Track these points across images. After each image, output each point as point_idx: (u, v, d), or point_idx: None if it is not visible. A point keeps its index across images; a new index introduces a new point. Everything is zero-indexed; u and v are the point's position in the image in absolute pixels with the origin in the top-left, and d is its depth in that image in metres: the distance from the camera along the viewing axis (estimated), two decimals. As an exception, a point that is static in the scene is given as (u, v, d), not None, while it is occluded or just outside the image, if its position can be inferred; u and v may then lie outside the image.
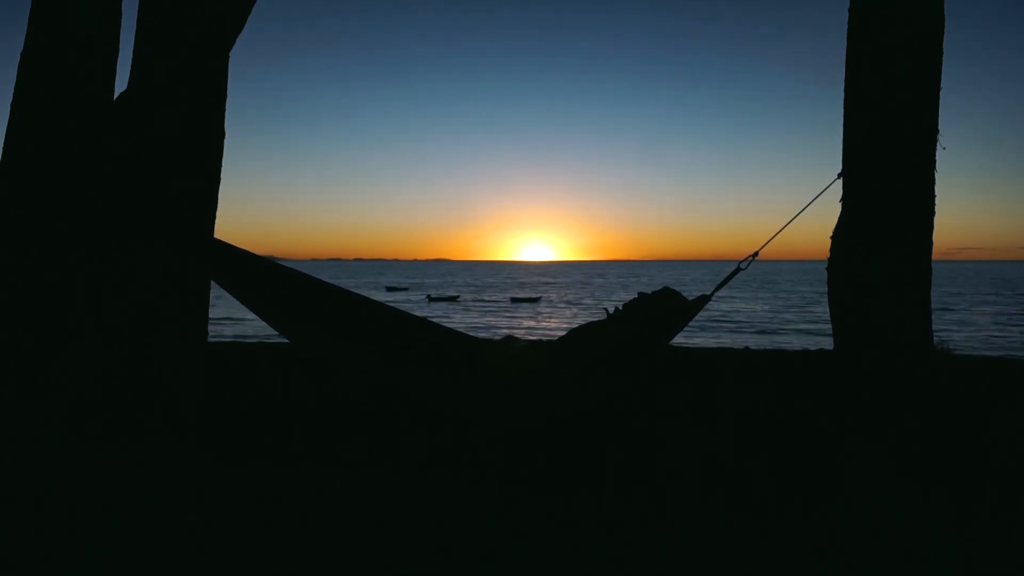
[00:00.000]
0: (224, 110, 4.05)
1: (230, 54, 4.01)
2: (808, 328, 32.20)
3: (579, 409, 4.40)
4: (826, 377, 4.93)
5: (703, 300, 4.17)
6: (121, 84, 3.86)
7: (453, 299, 56.98)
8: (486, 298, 58.68)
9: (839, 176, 3.79)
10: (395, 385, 4.46)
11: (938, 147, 3.68)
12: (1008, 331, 31.27)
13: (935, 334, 4.01)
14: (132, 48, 3.83)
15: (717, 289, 4.24)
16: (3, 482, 3.38)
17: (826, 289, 3.87)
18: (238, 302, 4.19)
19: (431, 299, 55.34)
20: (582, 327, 4.37)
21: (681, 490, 3.64)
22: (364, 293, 4.31)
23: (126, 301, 3.70)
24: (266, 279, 4.09)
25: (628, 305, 4.23)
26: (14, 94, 3.73)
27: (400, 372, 4.16)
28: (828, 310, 3.91)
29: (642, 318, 4.14)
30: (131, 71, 3.81)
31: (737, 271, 4.19)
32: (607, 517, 3.29)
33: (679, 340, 6.50)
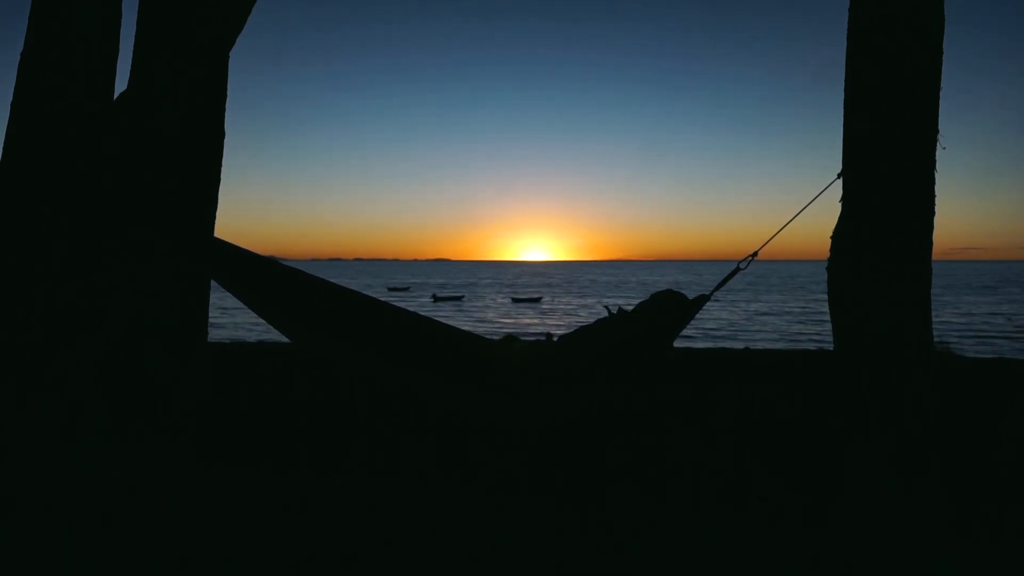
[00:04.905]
0: (224, 110, 4.04)
1: (230, 54, 4.01)
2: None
3: (579, 410, 4.40)
4: (826, 377, 4.93)
5: (702, 300, 4.17)
6: (121, 84, 3.86)
7: (458, 299, 56.94)
8: (488, 298, 58.62)
9: (839, 176, 3.79)
10: (397, 385, 4.45)
11: (938, 147, 3.67)
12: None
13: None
14: (132, 48, 3.83)
15: (716, 289, 4.24)
16: (3, 482, 3.38)
17: (826, 289, 3.86)
18: (238, 301, 4.18)
19: (436, 299, 55.34)
20: (583, 328, 4.37)
21: (681, 490, 3.64)
22: (365, 293, 4.31)
23: (126, 301, 3.70)
24: (267, 278, 4.09)
25: (633, 309, 4.23)
26: (14, 94, 3.72)
27: (402, 372, 4.16)
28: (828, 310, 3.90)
29: (642, 318, 4.14)
30: (131, 71, 3.81)
31: (736, 271, 4.19)
32: (608, 517, 3.29)
33: (679, 340, 6.49)
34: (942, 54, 3.68)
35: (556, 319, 40.36)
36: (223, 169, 4.06)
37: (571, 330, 4.39)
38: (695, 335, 26.89)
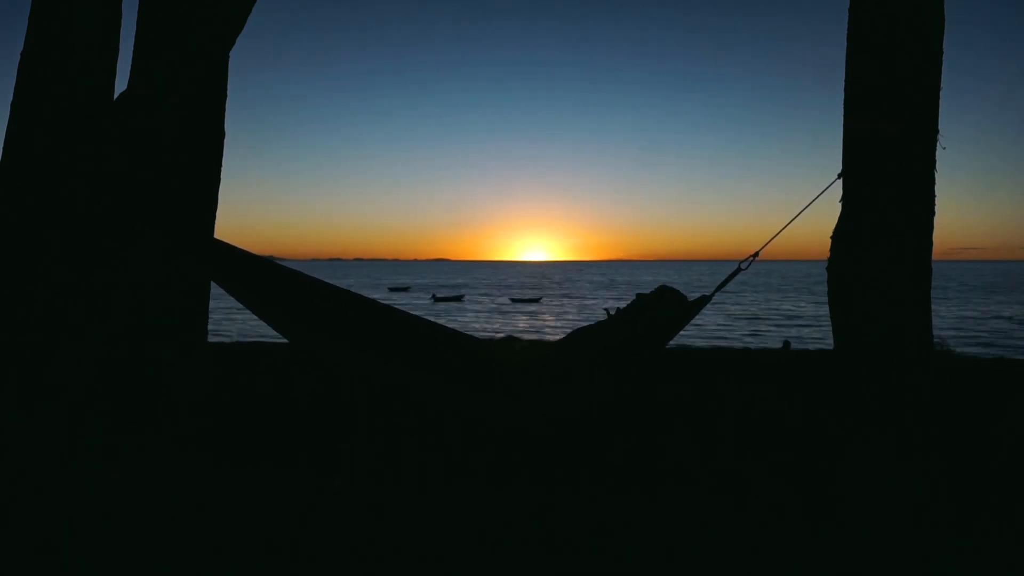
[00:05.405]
0: (224, 110, 4.04)
1: (230, 54, 4.01)
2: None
3: (579, 410, 4.40)
4: (826, 377, 4.93)
5: (703, 300, 4.17)
6: (121, 84, 3.86)
7: (458, 299, 56.72)
8: (487, 299, 58.60)
9: (839, 176, 3.79)
10: (396, 386, 4.45)
11: (938, 147, 3.67)
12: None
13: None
14: (132, 48, 3.83)
15: (717, 289, 4.24)
16: (3, 482, 3.38)
17: (826, 289, 3.86)
18: (238, 302, 4.18)
19: (436, 299, 55.15)
20: (582, 328, 4.37)
21: (681, 490, 3.64)
22: (365, 293, 4.31)
23: (126, 301, 3.70)
24: (266, 279, 4.09)
25: (628, 307, 4.23)
26: (14, 94, 3.72)
27: (401, 372, 4.16)
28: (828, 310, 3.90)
29: (642, 318, 4.14)
30: (131, 71, 3.81)
31: (738, 271, 4.19)
32: (608, 518, 3.29)
33: (679, 340, 6.50)
34: (942, 54, 3.68)
35: (555, 319, 40.35)
36: (223, 169, 4.06)
37: (571, 331, 4.39)
38: (694, 335, 26.93)
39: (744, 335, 30.28)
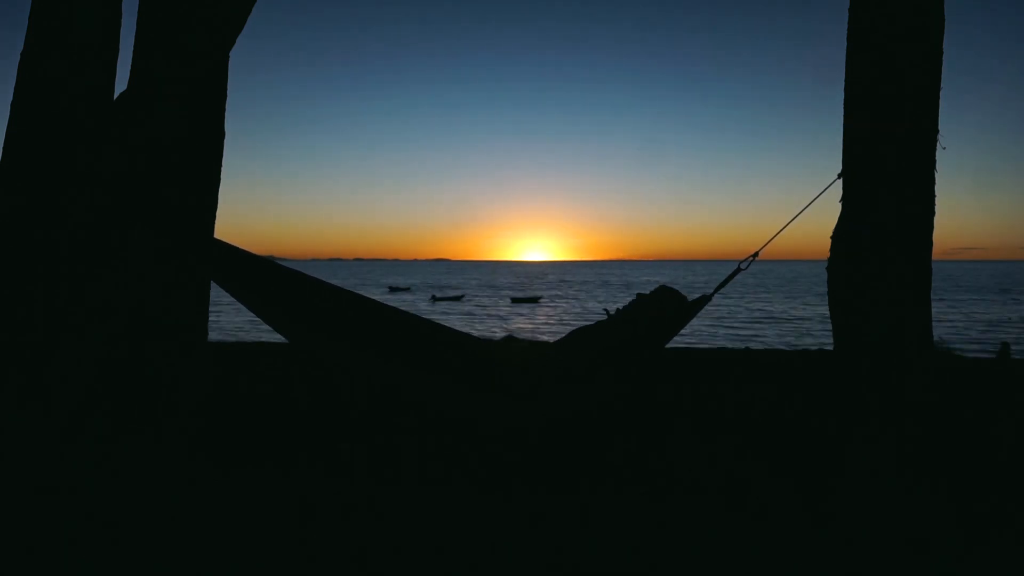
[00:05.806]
0: (224, 110, 4.04)
1: (230, 54, 4.01)
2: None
3: (579, 410, 4.40)
4: (826, 377, 4.93)
5: (703, 300, 4.18)
6: (121, 84, 3.86)
7: (458, 299, 56.52)
8: (487, 298, 58.59)
9: (839, 176, 3.79)
10: (395, 385, 4.46)
11: (938, 147, 3.67)
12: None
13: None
14: (132, 48, 3.83)
15: (717, 289, 4.25)
16: (3, 482, 3.38)
17: (826, 289, 3.87)
18: (238, 302, 4.19)
19: (435, 299, 54.96)
20: (582, 328, 4.37)
21: (681, 490, 3.64)
22: (364, 293, 4.31)
23: (127, 301, 3.70)
24: (266, 279, 4.10)
25: (628, 307, 4.24)
26: (14, 94, 3.72)
27: (400, 372, 4.16)
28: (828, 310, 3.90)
29: (642, 318, 4.15)
30: (131, 71, 3.81)
31: (737, 271, 4.19)
32: (608, 518, 3.30)
33: (679, 340, 6.49)
34: (942, 54, 3.68)
35: (556, 319, 40.36)
36: (223, 169, 4.06)
37: (570, 331, 4.39)
38: (694, 335, 26.94)
39: (743, 335, 30.28)
